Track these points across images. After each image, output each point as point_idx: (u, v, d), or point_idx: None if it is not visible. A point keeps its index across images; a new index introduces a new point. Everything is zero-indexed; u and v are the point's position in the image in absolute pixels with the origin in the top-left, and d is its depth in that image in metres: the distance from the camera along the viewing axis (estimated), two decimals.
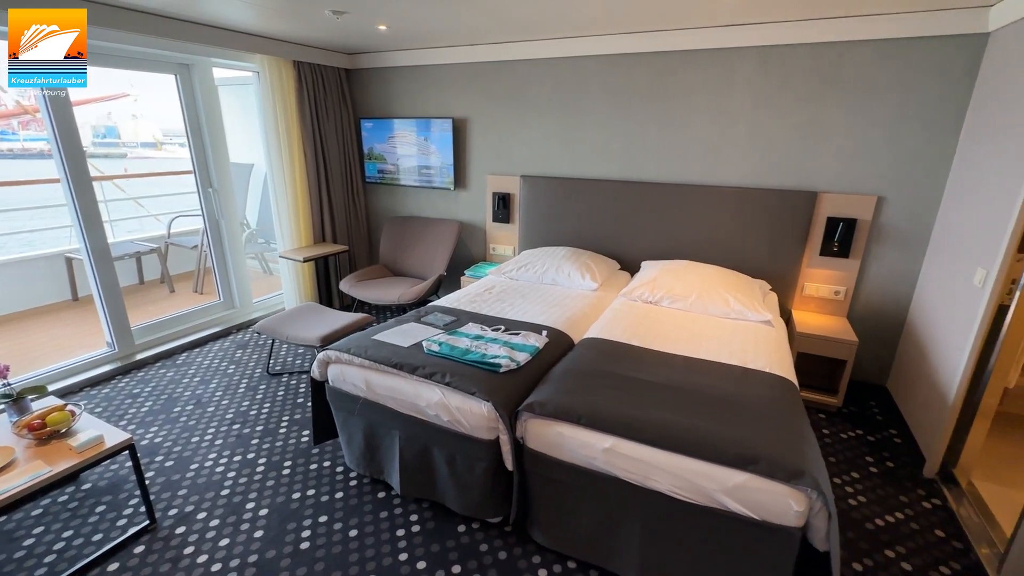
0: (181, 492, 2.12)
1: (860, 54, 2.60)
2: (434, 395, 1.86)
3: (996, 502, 2.03)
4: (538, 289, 3.02)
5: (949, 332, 2.30)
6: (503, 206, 3.78)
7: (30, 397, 1.97)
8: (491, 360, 1.93)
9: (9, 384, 1.94)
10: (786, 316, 2.98)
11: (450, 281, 4.09)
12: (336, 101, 4.04)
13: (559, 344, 2.27)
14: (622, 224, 3.35)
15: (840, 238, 2.80)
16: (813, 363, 2.85)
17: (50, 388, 2.51)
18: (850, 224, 2.77)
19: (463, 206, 4.03)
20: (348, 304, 4.34)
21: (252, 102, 3.75)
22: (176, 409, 2.75)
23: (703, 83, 2.97)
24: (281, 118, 3.65)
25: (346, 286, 3.75)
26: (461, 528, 1.94)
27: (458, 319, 2.49)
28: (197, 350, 3.48)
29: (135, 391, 2.92)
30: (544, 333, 2.28)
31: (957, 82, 2.46)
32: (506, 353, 2.00)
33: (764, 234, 2.95)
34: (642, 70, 3.11)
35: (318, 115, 3.88)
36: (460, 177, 3.96)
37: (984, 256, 2.08)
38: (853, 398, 2.90)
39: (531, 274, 3.17)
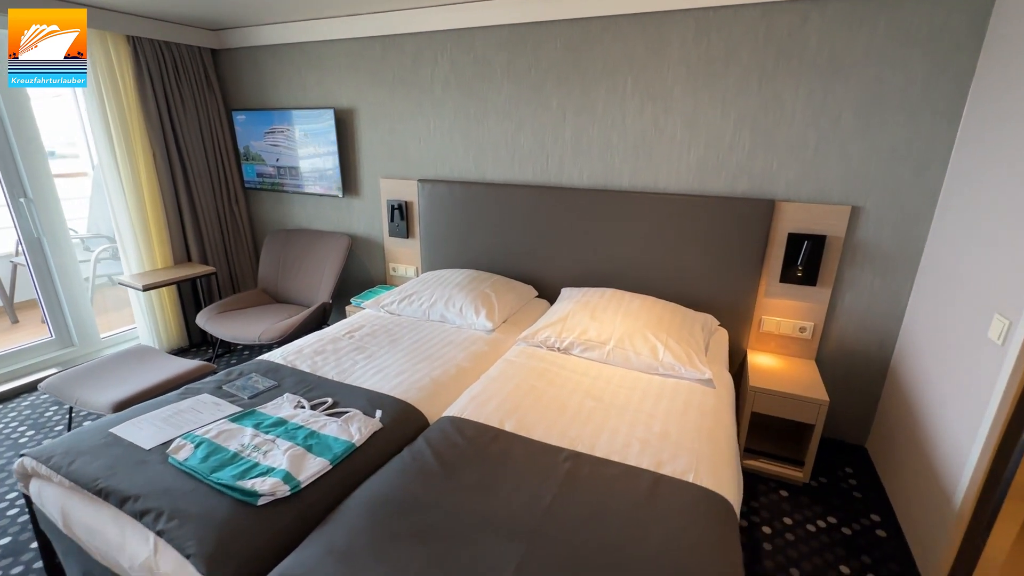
0: None
1: (827, 16, 1.94)
2: (142, 548, 1.13)
3: None
4: (419, 329, 2.30)
5: (952, 393, 1.65)
6: (401, 217, 3.05)
7: None
8: (250, 482, 1.21)
9: None
10: (740, 360, 2.33)
11: (343, 309, 3.36)
12: (200, 89, 3.26)
13: (403, 428, 1.57)
14: (540, 240, 2.65)
15: (805, 260, 2.14)
16: (773, 421, 2.19)
17: None
18: (818, 242, 2.11)
19: (357, 216, 3.29)
20: (214, 342, 3.55)
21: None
22: None
23: (628, 60, 2.29)
24: (113, 109, 2.87)
25: (203, 319, 2.98)
26: None
27: (279, 384, 1.77)
28: None
29: None
30: (378, 416, 1.56)
31: (956, 50, 1.81)
32: (289, 463, 1.28)
33: (711, 254, 2.29)
34: (553, 43, 2.41)
35: (169, 106, 3.10)
36: (349, 181, 3.22)
37: (1004, 299, 1.42)
38: (824, 464, 2.24)
39: (416, 308, 2.45)
